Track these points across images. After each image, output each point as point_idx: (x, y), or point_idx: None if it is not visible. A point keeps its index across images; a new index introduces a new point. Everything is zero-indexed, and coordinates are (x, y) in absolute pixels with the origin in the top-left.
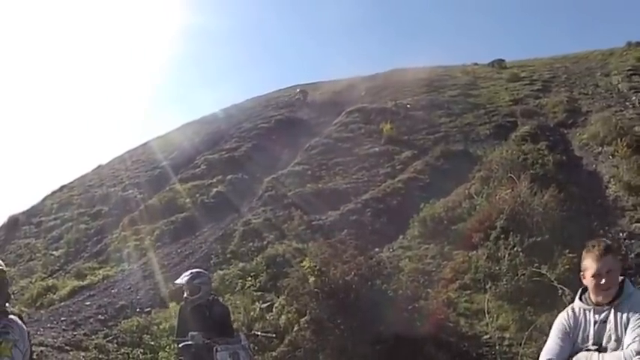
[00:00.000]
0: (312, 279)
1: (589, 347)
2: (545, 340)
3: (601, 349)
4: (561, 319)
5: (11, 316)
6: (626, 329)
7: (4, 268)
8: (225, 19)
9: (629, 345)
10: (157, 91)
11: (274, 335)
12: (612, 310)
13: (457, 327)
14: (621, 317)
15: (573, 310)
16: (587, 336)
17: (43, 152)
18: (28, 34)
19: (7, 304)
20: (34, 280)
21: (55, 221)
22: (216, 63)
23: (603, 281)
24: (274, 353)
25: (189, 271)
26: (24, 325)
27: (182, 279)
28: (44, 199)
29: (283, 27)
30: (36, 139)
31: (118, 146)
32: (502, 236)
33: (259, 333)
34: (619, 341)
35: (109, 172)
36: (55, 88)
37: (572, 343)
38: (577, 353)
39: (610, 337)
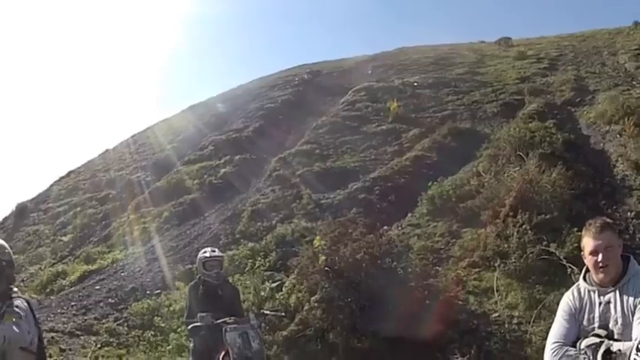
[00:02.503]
0: (322, 258)
1: (597, 332)
2: (554, 319)
3: (609, 333)
4: (567, 300)
5: (17, 302)
6: (632, 314)
7: (9, 250)
8: (226, 6)
9: (638, 336)
10: (162, 77)
11: (284, 314)
12: (617, 292)
13: (466, 305)
14: (627, 300)
15: (579, 290)
16: (593, 317)
17: (50, 139)
18: (34, 20)
19: (13, 288)
20: (43, 267)
21: (63, 207)
22: (221, 50)
23: (600, 257)
24: (284, 332)
25: (209, 248)
26: (30, 309)
27: (211, 252)
28: (51, 186)
29: (286, 11)
30: (42, 126)
31: (124, 131)
32: (511, 214)
33: (269, 312)
34: (626, 325)
35: (116, 157)
36: (61, 74)
37: (578, 325)
38: (584, 335)
39: (616, 320)
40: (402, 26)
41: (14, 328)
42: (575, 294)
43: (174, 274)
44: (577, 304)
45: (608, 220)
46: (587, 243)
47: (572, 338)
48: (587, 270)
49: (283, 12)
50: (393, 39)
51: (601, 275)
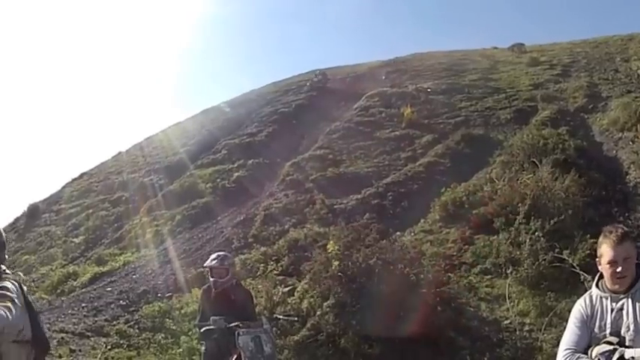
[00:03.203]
0: (335, 263)
1: (608, 339)
2: (565, 326)
3: (620, 340)
4: (579, 307)
5: (6, 283)
6: None
7: None
8: (238, 6)
9: None
10: (176, 78)
11: (296, 319)
12: (629, 299)
13: (478, 312)
14: (639, 306)
15: (591, 297)
16: (605, 324)
17: (63, 140)
18: (49, 21)
19: (2, 267)
20: (54, 268)
21: (75, 209)
22: (233, 50)
23: (619, 269)
24: (296, 337)
25: (216, 254)
26: (22, 292)
27: (211, 261)
28: (64, 187)
29: (299, 14)
30: (55, 127)
31: (137, 134)
32: (523, 221)
33: (281, 316)
34: (638, 332)
35: (129, 159)
36: (75, 77)
37: (590, 332)
38: (596, 342)
39: (628, 326)
40: (416, 32)
41: (6, 314)
42: (587, 301)
43: (186, 277)
44: (589, 311)
45: (627, 229)
46: (606, 252)
47: (584, 345)
48: (601, 276)
49: (294, 12)
50: (406, 45)
51: (617, 285)
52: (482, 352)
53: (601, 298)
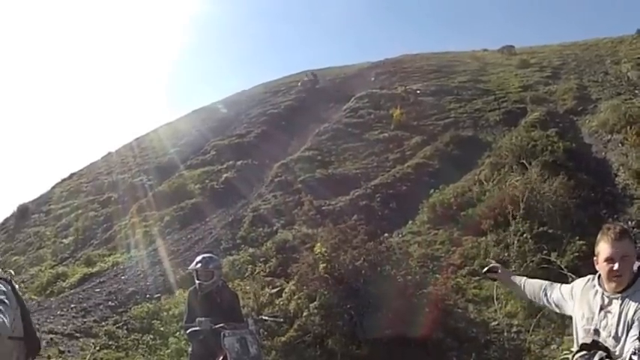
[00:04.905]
0: (322, 265)
1: (585, 340)
2: (553, 328)
3: (594, 338)
4: (578, 281)
5: None
6: (628, 328)
7: None
8: (231, 8)
9: (628, 353)
10: (167, 79)
11: (282, 320)
12: (619, 301)
13: (466, 313)
14: (626, 313)
15: (593, 283)
16: (592, 318)
17: (53, 140)
18: (38, 21)
19: None
20: (43, 268)
21: (65, 209)
22: (224, 51)
23: (616, 266)
24: (283, 338)
25: (202, 256)
26: (13, 290)
27: (196, 264)
28: (53, 188)
29: (290, 15)
30: (45, 127)
31: (127, 134)
32: (512, 222)
33: (267, 317)
34: (617, 339)
35: (119, 160)
36: (66, 77)
37: (562, 300)
38: (582, 334)
39: (610, 331)
40: (406, 33)
41: (3, 319)
42: (585, 281)
43: (175, 278)
44: (581, 288)
45: (625, 226)
46: (604, 249)
47: (553, 297)
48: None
49: (285, 13)
50: (396, 46)
51: (613, 284)
52: (469, 354)
53: (596, 290)
